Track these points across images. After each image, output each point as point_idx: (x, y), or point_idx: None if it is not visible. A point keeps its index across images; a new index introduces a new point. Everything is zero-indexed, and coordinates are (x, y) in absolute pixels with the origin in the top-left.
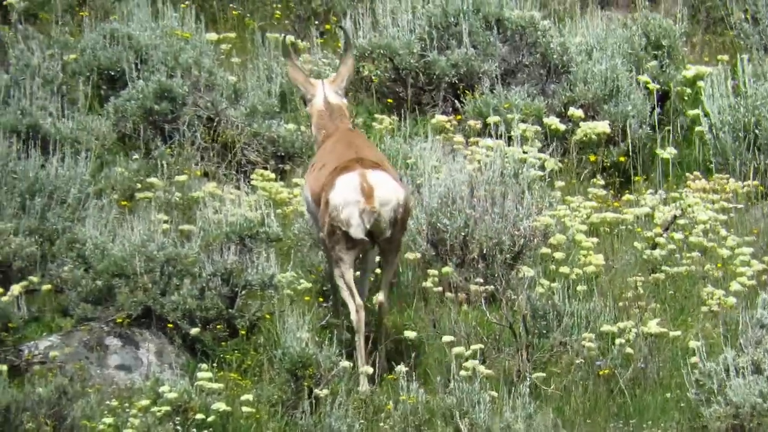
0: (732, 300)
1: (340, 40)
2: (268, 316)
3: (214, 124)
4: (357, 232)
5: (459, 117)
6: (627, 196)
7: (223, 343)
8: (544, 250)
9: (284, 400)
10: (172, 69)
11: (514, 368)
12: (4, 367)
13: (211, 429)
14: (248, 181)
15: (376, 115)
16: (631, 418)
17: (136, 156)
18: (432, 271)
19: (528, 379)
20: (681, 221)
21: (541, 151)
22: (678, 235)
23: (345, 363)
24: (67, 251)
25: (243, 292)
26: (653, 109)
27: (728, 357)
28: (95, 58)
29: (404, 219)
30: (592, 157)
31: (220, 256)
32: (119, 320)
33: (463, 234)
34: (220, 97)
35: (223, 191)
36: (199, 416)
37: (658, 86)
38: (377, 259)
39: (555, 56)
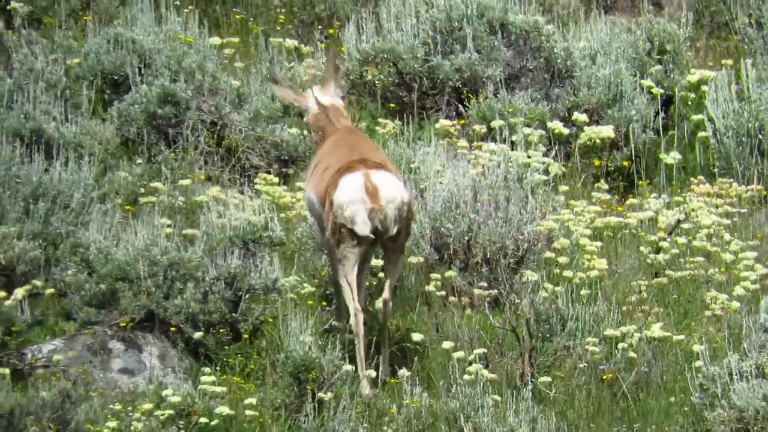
0: (735, 304)
1: (344, 44)
2: (271, 320)
3: (218, 128)
4: (362, 228)
5: (463, 121)
6: (631, 201)
7: (226, 347)
8: (548, 254)
9: (287, 404)
10: (176, 73)
11: (518, 372)
12: (8, 371)
13: None
14: (252, 185)
15: (380, 120)
16: (635, 422)
17: (139, 160)
18: (435, 275)
19: (531, 383)
20: (685, 225)
21: (545, 155)
22: (682, 240)
23: (348, 366)
24: (70, 255)
25: (246, 296)
26: (657, 113)
27: (732, 361)
28: (99, 63)
29: (408, 218)
30: (596, 162)
31: (223, 260)
32: (122, 324)
33: (466, 238)
34: (223, 101)
35: (226, 195)
36: (203, 420)
37: (662, 91)
38: (380, 263)
39: (559, 61)
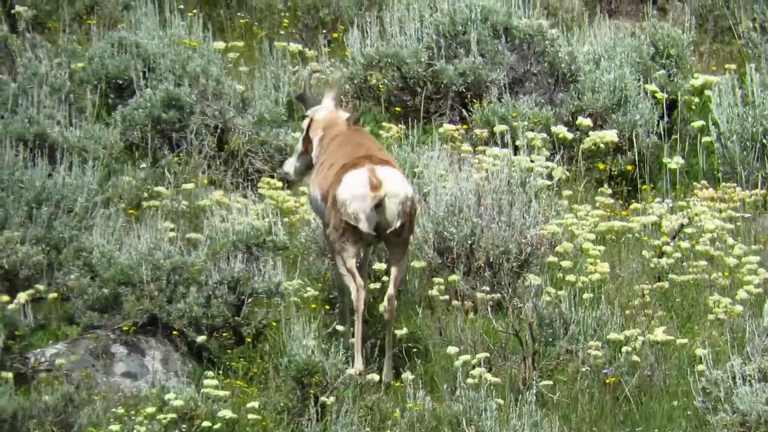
0: (739, 308)
1: (348, 48)
2: (274, 324)
3: (222, 132)
4: (365, 225)
5: (466, 126)
6: (634, 205)
7: (229, 351)
8: (551, 258)
9: (290, 408)
10: (180, 78)
11: (521, 376)
12: (11, 375)
13: None
14: (255, 190)
15: (384, 124)
16: (638, 426)
17: (143, 165)
18: (438, 279)
19: (534, 386)
20: (688, 230)
21: (548, 159)
22: (685, 244)
23: (351, 370)
24: (73, 260)
25: (249, 300)
26: (661, 118)
27: (735, 365)
28: (103, 67)
29: (411, 214)
30: (600, 166)
31: (226, 264)
32: (125, 328)
33: (469, 242)
34: (227, 105)
35: (230, 199)
36: (206, 424)
37: (665, 95)
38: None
39: (563, 65)
